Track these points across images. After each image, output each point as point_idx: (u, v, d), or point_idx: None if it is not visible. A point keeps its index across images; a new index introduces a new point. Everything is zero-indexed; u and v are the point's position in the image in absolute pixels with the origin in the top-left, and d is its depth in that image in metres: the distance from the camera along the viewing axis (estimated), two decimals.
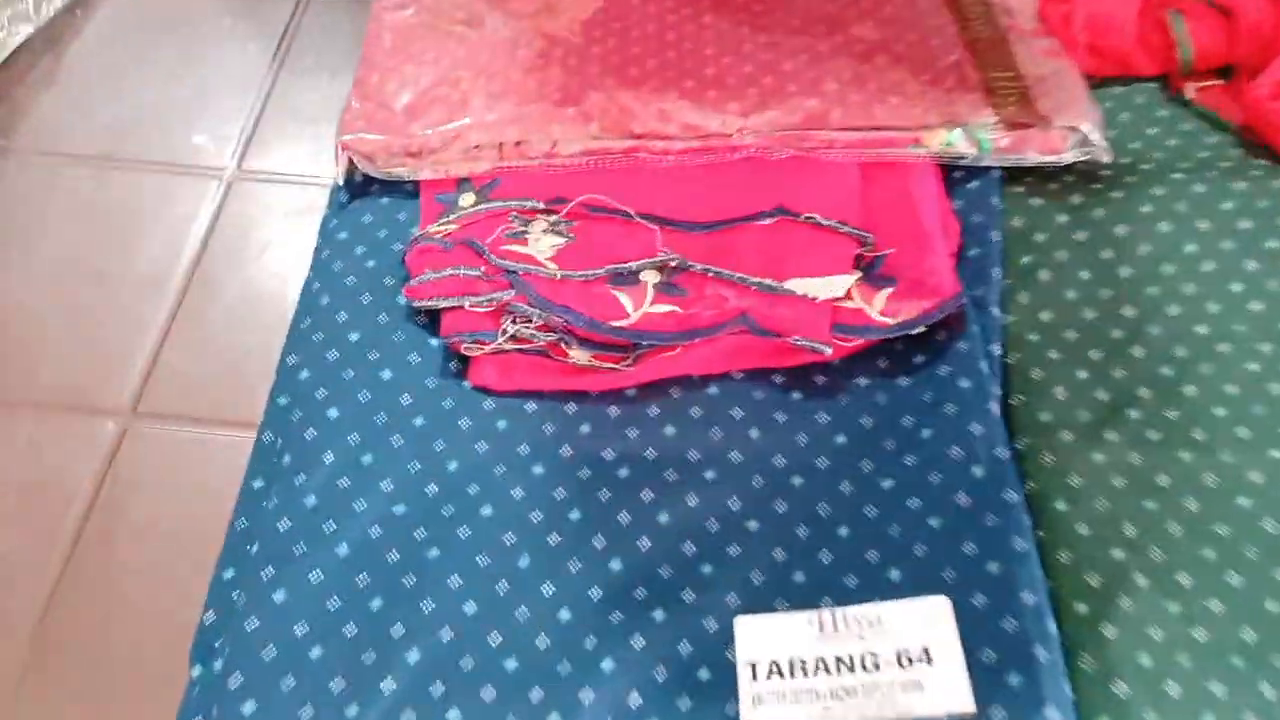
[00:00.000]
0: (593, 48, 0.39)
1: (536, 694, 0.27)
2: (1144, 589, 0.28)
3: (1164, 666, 0.26)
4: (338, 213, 0.38)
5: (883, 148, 0.36)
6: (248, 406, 0.35)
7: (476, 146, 0.37)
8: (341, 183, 0.37)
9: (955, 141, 0.36)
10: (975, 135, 0.36)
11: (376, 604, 0.29)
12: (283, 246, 0.40)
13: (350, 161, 0.37)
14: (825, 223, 0.33)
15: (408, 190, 0.38)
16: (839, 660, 0.27)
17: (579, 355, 0.33)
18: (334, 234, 0.37)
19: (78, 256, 0.39)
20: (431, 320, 0.34)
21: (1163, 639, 0.27)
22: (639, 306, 0.33)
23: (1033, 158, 0.36)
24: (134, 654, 0.31)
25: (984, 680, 0.26)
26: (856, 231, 0.33)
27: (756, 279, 0.32)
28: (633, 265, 0.33)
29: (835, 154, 0.36)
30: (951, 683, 0.26)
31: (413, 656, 0.28)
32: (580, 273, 0.33)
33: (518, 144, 0.36)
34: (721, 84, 0.38)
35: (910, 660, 0.27)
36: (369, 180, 0.38)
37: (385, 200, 0.38)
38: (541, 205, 0.35)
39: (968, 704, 0.26)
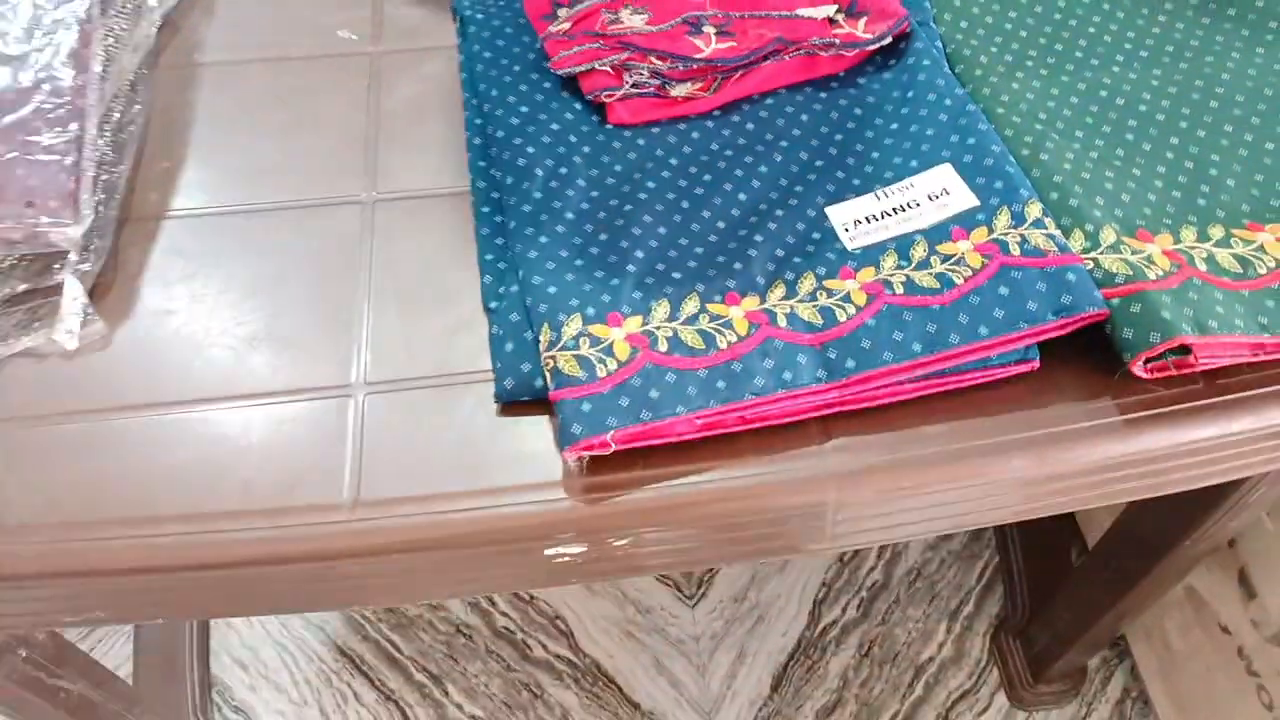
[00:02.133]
0: None
1: (720, 259, 0.44)
2: (1056, 140, 0.46)
3: (1075, 171, 0.45)
4: (473, 41, 0.53)
5: None
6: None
7: None
8: None
9: None
10: None
11: (603, 237, 0.45)
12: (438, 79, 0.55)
13: None
14: None
15: (522, 24, 0.54)
16: (895, 209, 0.45)
17: (679, 89, 0.50)
18: (476, 59, 0.53)
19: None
20: (572, 91, 0.50)
21: (1069, 167, 0.45)
22: (709, 45, 0.50)
23: None
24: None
25: (982, 190, 0.44)
26: None
27: (779, 12, 0.50)
28: (696, 14, 0.50)
29: None
30: (963, 196, 0.44)
31: (639, 254, 0.44)
32: (667, 24, 0.50)
33: None
34: None
35: (936, 196, 0.45)
36: (485, 20, 0.54)
37: (508, 29, 0.54)
38: None
39: (974, 201, 0.44)
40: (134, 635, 0.96)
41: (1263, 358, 0.41)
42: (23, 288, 0.43)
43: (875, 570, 1.02)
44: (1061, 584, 0.85)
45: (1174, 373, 0.40)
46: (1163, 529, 0.65)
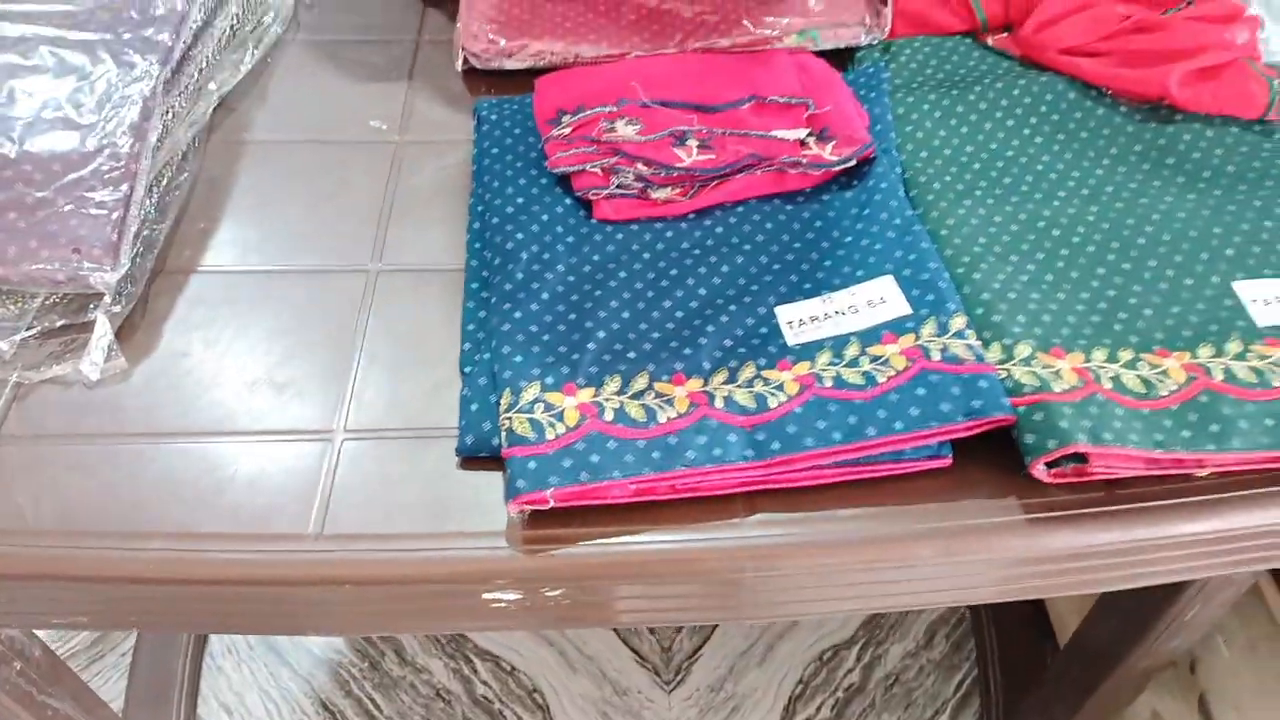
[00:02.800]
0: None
1: (674, 344, 0.48)
2: (991, 262, 0.51)
3: (1003, 290, 0.49)
4: (486, 138, 0.60)
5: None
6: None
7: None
8: (460, 69, 0.65)
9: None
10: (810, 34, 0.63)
11: (571, 316, 0.50)
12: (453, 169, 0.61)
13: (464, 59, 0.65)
14: (781, 100, 0.57)
15: (530, 127, 0.60)
16: (836, 311, 0.49)
17: (660, 193, 0.56)
18: (486, 154, 0.59)
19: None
20: (565, 188, 0.56)
21: (998, 287, 0.50)
22: (690, 155, 0.56)
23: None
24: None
25: (915, 300, 0.48)
26: (800, 100, 0.57)
27: (756, 132, 0.56)
28: (683, 129, 0.56)
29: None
30: (899, 304, 0.49)
31: (602, 334, 0.49)
32: (655, 135, 0.56)
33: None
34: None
35: (874, 303, 0.49)
36: (499, 121, 0.61)
37: (518, 130, 0.60)
38: (615, 108, 0.58)
39: (908, 309, 0.48)
40: (130, 670, 0.99)
41: (1158, 472, 0.44)
42: (60, 323, 0.49)
43: (854, 672, 1.03)
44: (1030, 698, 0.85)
45: (1074, 479, 0.44)
46: (1112, 644, 0.67)
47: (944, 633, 1.06)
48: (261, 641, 1.05)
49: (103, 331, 0.48)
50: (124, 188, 0.51)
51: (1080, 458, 0.43)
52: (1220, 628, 0.73)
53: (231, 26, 0.67)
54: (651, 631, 1.06)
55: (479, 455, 0.46)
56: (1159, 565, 0.45)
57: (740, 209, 0.56)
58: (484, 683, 1.02)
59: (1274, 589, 0.67)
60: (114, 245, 0.49)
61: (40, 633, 0.69)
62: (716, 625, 1.06)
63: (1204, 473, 0.44)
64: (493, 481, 0.46)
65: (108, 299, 0.49)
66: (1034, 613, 1.01)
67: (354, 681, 1.02)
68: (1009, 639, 1.00)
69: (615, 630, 1.06)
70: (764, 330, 0.50)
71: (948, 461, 0.45)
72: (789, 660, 1.04)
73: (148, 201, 0.53)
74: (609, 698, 1.01)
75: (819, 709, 1.01)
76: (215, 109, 0.64)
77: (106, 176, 0.51)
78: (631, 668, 1.03)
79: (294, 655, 1.04)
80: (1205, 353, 0.47)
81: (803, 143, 0.57)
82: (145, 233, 0.53)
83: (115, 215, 0.50)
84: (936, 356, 0.46)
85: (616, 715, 1.00)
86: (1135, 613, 0.64)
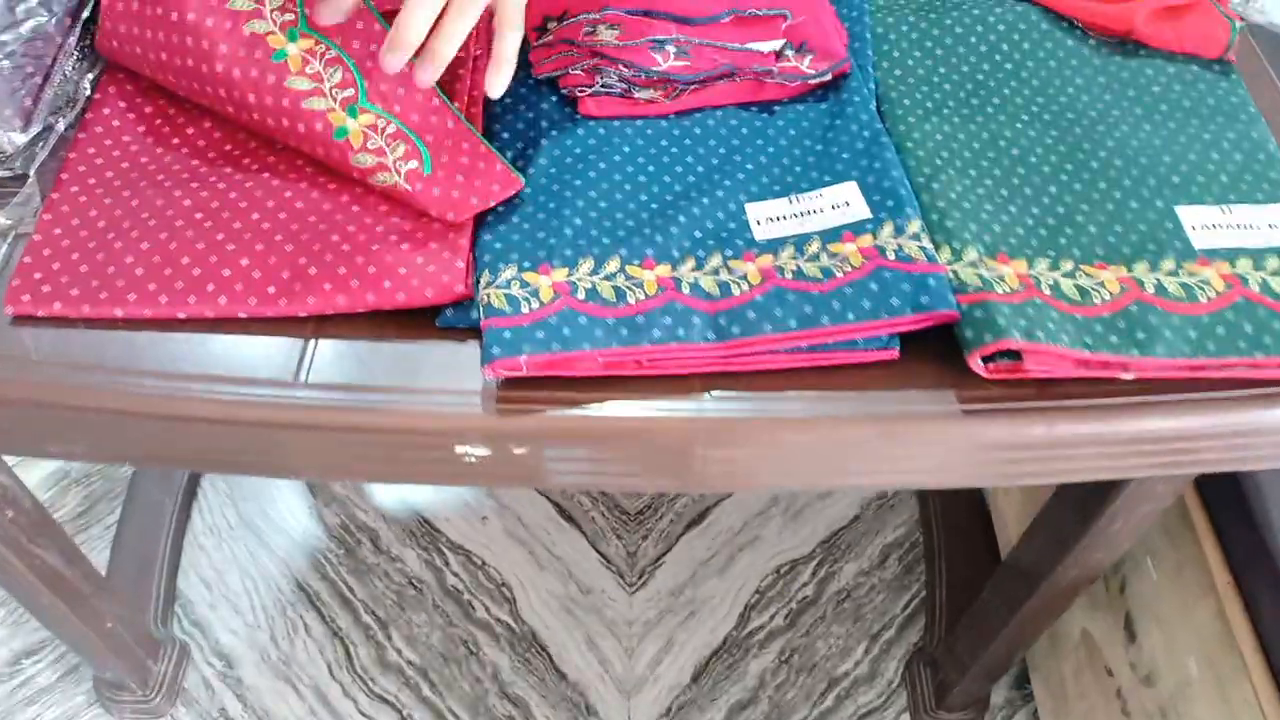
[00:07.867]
0: None
1: (646, 231, 0.51)
2: (950, 175, 0.54)
3: (958, 200, 0.52)
4: None
5: None
6: None
7: None
8: None
9: None
10: None
11: (550, 205, 0.52)
12: None
13: None
14: (760, 12, 0.59)
15: None
16: (802, 212, 0.52)
17: (643, 94, 0.58)
18: None
19: None
20: (551, 89, 0.59)
21: (954, 197, 0.53)
22: (666, 60, 0.58)
23: None
24: None
25: (876, 205, 0.52)
26: (777, 11, 0.59)
27: (733, 45, 0.58)
28: (660, 37, 0.58)
29: None
30: (860, 208, 0.52)
31: (579, 221, 0.51)
32: (634, 41, 0.58)
33: None
34: None
35: (838, 206, 0.52)
36: None
37: None
38: (598, 15, 0.59)
39: (868, 213, 0.51)
40: (114, 541, 1.03)
41: (1085, 374, 0.48)
42: None
43: (808, 585, 1.08)
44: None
45: (1009, 375, 0.47)
46: (1043, 557, 0.71)
47: (897, 555, 1.11)
48: (243, 522, 1.09)
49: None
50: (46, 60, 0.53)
51: (1015, 355, 0.47)
52: (1151, 551, 0.78)
53: None
54: (619, 537, 1.11)
55: (457, 326, 0.49)
56: (1080, 462, 0.49)
57: (719, 113, 0.58)
58: (454, 574, 1.07)
59: (1201, 513, 0.72)
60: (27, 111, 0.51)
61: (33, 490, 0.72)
62: (681, 535, 1.11)
63: (1128, 376, 0.48)
64: (470, 351, 0.49)
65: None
66: (983, 538, 1.06)
67: (329, 565, 1.07)
68: (958, 562, 1.06)
69: (583, 533, 1.10)
70: (733, 225, 0.52)
71: (895, 354, 0.48)
72: (748, 571, 1.09)
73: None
74: (573, 595, 1.06)
75: (772, 617, 1.06)
76: None
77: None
78: (597, 569, 1.08)
79: (273, 538, 1.09)
80: (1141, 268, 0.50)
81: (780, 54, 0.59)
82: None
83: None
84: (891, 256, 0.49)
85: (579, 611, 1.05)
86: (1064, 527, 0.68)
